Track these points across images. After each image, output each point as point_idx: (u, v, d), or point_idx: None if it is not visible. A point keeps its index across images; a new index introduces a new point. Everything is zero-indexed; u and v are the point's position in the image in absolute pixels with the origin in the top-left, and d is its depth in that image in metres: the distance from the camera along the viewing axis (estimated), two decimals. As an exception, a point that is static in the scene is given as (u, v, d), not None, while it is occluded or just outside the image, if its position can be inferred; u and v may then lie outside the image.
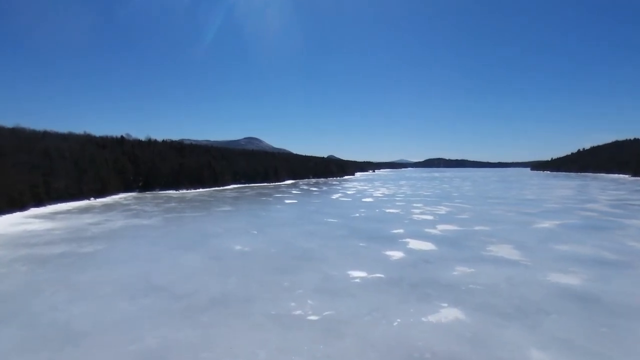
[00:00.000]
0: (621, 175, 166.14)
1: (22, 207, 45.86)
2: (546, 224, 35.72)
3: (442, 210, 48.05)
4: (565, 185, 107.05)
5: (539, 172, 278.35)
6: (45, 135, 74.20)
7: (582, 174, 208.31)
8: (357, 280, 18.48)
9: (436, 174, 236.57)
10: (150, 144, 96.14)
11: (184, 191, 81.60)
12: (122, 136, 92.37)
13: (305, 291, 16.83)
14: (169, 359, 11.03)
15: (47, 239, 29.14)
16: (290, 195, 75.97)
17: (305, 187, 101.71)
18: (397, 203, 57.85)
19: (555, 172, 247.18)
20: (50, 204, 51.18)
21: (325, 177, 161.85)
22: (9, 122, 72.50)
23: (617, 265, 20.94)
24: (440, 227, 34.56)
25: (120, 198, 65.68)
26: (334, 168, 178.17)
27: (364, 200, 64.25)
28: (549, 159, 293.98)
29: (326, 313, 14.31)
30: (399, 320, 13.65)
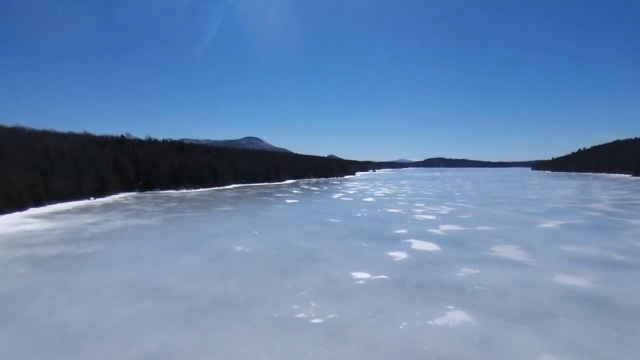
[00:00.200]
0: (622, 175, 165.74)
1: (21, 206, 45.55)
2: (550, 224, 35.36)
3: (445, 210, 47.70)
4: (567, 185, 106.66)
5: (539, 171, 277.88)
6: (45, 134, 73.88)
7: (583, 173, 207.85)
8: (361, 281, 18.14)
9: (437, 174, 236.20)
10: (151, 143, 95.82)
11: (184, 191, 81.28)
12: (122, 135, 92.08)
13: (308, 293, 16.49)
14: (168, 364, 10.70)
15: (45, 239, 28.81)
16: (291, 194, 75.64)
17: (306, 187, 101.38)
18: (399, 203, 57.50)
19: (556, 172, 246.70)
20: (49, 204, 50.86)
21: (326, 176, 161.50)
22: (9, 122, 72.22)
23: (625, 267, 20.59)
24: (443, 227, 34.21)
25: (120, 198, 65.36)
26: (335, 167, 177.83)
27: (365, 200, 63.90)
28: (550, 159, 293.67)
29: (330, 316, 13.97)
30: (404, 323, 13.31)
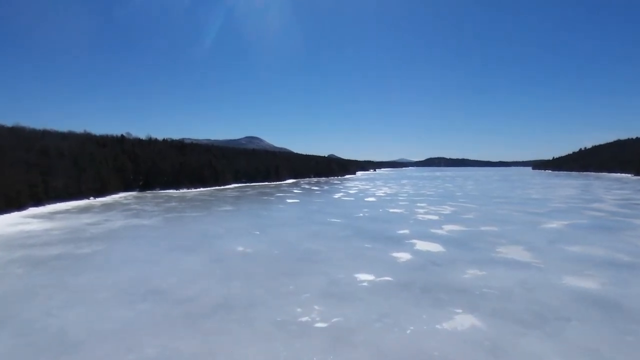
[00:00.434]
0: (624, 175, 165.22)
1: (20, 206, 45.19)
2: (554, 224, 34.96)
3: (447, 210, 47.31)
4: (569, 184, 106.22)
5: (540, 171, 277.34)
6: (45, 134, 73.51)
7: (584, 173, 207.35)
8: (365, 283, 17.76)
9: (438, 173, 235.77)
10: (151, 142, 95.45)
11: (185, 190, 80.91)
12: (122, 135, 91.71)
13: (312, 295, 16.11)
14: (168, 371, 10.32)
15: (44, 239, 28.44)
16: (292, 194, 75.26)
17: (306, 187, 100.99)
18: (401, 203, 57.11)
19: (556, 172, 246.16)
20: (49, 204, 50.51)
21: (327, 176, 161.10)
22: (9, 122, 71.83)
23: (633, 268, 20.20)
24: (447, 227, 33.82)
25: (120, 197, 65.00)
26: (335, 167, 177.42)
27: (366, 199, 63.51)
28: (550, 158, 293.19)
29: (334, 320, 13.59)
30: (411, 327, 12.92)
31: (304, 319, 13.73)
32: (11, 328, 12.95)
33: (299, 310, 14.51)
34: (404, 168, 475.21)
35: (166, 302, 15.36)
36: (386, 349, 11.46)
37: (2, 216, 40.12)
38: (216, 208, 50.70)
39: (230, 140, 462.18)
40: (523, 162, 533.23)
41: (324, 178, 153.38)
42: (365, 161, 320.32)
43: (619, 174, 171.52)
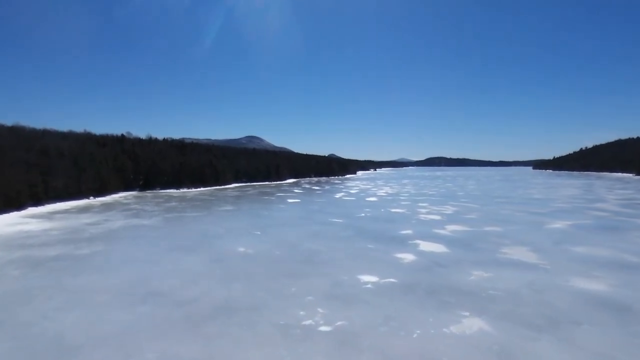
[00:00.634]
0: (625, 174, 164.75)
1: (20, 206, 44.87)
2: (558, 224, 34.60)
3: (449, 209, 46.94)
4: (571, 184, 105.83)
5: (541, 170, 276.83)
6: (45, 133, 73.19)
7: (585, 172, 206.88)
8: (369, 285, 17.41)
9: (438, 173, 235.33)
10: (151, 142, 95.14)
11: (185, 190, 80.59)
12: (122, 135, 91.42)
13: (315, 298, 15.76)
14: (168, 378, 9.98)
15: (43, 239, 28.11)
16: (292, 194, 74.92)
17: (307, 186, 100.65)
18: (402, 202, 56.75)
19: (557, 171, 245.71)
20: (48, 203, 50.19)
21: (327, 175, 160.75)
22: (9, 121, 71.42)
23: (642, 269, 19.83)
24: (450, 227, 33.46)
25: (120, 197, 64.68)
26: (336, 167, 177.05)
27: (368, 199, 63.16)
28: (551, 158, 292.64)
29: (339, 323, 13.24)
30: (418, 331, 12.57)
31: (308, 322, 13.38)
32: (7, 331, 12.61)
33: (302, 313, 14.16)
34: (404, 168, 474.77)
35: (166, 304, 15.02)
36: (393, 353, 11.11)
37: (1, 216, 39.81)
38: (216, 208, 50.36)
39: (231, 139, 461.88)
40: (523, 161, 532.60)
41: (324, 178, 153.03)
42: (365, 161, 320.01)
43: (620, 174, 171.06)
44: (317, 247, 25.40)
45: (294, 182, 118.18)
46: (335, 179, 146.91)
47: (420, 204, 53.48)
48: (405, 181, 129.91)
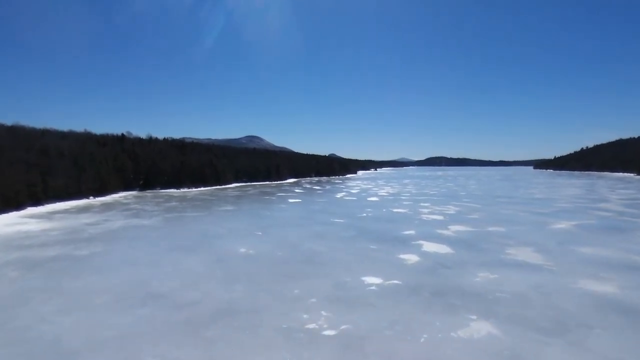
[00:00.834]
0: (626, 174, 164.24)
1: (19, 206, 44.56)
2: (563, 225, 34.24)
3: (451, 209, 46.59)
4: (572, 184, 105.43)
5: (542, 170, 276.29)
6: (45, 133, 72.93)
7: (586, 172, 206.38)
8: (373, 287, 17.06)
9: (439, 173, 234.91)
10: (151, 142, 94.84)
11: (185, 190, 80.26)
12: (122, 134, 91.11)
13: (318, 300, 15.42)
14: (168, 384, 9.64)
15: (41, 240, 27.79)
16: (293, 194, 74.59)
17: (308, 186, 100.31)
18: (404, 202, 56.40)
19: (558, 171, 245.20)
20: (48, 203, 49.87)
21: (328, 175, 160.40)
22: (10, 121, 71.02)
23: (650, 271, 19.47)
24: (453, 227, 33.10)
25: (120, 197, 64.37)
26: (337, 166, 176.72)
27: (369, 199, 62.80)
28: (552, 158, 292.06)
29: (343, 327, 12.89)
30: (425, 335, 12.23)
31: (311, 325, 13.04)
32: (3, 335, 12.27)
33: (305, 316, 13.82)
34: (404, 167, 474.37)
35: (166, 307, 14.69)
36: (400, 359, 10.77)
37: (0, 216, 39.48)
38: (217, 208, 50.04)
39: (231, 139, 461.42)
40: (524, 161, 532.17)
41: (325, 177, 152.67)
42: (366, 160, 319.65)
43: (621, 174, 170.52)
44: (319, 248, 25.06)
45: (294, 182, 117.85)
46: (336, 179, 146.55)
47: (422, 204, 53.13)
48: (406, 181, 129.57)
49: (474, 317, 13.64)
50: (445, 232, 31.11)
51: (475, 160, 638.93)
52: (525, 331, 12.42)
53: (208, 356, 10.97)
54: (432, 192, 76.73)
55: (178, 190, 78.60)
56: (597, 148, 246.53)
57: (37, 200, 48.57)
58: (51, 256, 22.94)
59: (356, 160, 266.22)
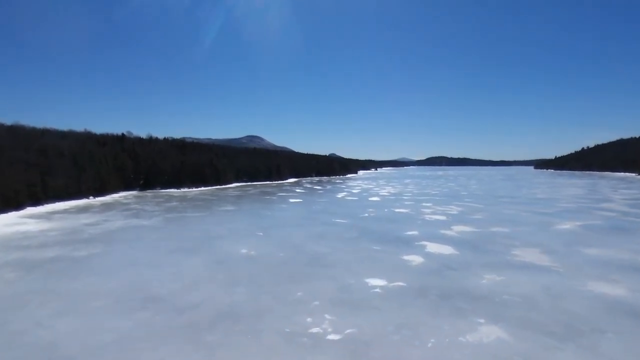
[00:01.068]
0: (627, 174, 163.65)
1: (18, 206, 44.22)
2: (567, 225, 33.86)
3: (454, 210, 46.21)
4: (574, 184, 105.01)
5: (542, 170, 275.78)
6: (45, 132, 72.60)
7: (587, 172, 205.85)
8: (378, 290, 16.70)
9: (440, 172, 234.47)
10: (151, 141, 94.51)
11: (186, 190, 79.92)
12: (122, 134, 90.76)
13: (322, 303, 15.06)
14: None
15: (40, 240, 27.45)
16: (294, 194, 74.23)
17: (309, 186, 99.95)
18: (406, 202, 56.02)
19: (559, 171, 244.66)
20: (47, 203, 49.52)
21: (329, 175, 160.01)
22: (10, 121, 70.53)
23: (660, 272, 19.09)
24: (456, 228, 32.73)
25: (120, 197, 64.03)
26: (337, 166, 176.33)
27: (370, 199, 62.44)
28: (552, 158, 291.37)
29: (348, 331, 12.53)
30: (432, 340, 11.86)
31: (315, 330, 12.68)
32: (-2, 340, 11.92)
33: (309, 320, 13.46)
34: (405, 167, 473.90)
35: (166, 310, 14.33)
36: (408, 366, 10.41)
37: (-2, 216, 39.16)
38: (218, 208, 49.69)
39: (231, 139, 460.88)
40: (524, 161, 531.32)
41: (325, 177, 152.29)
42: (366, 160, 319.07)
43: (622, 173, 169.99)
44: (321, 249, 24.70)
45: (295, 182, 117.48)
46: (336, 179, 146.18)
47: (424, 204, 52.75)
48: (407, 181, 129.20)
49: (482, 320, 13.28)
50: (448, 232, 30.74)
51: (475, 160, 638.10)
52: (535, 335, 12.06)
53: (209, 362, 10.62)
54: (433, 192, 76.35)
55: (178, 190, 78.27)
56: (598, 148, 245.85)
57: (37, 200, 48.23)
58: (49, 257, 22.59)
59: (356, 160, 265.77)
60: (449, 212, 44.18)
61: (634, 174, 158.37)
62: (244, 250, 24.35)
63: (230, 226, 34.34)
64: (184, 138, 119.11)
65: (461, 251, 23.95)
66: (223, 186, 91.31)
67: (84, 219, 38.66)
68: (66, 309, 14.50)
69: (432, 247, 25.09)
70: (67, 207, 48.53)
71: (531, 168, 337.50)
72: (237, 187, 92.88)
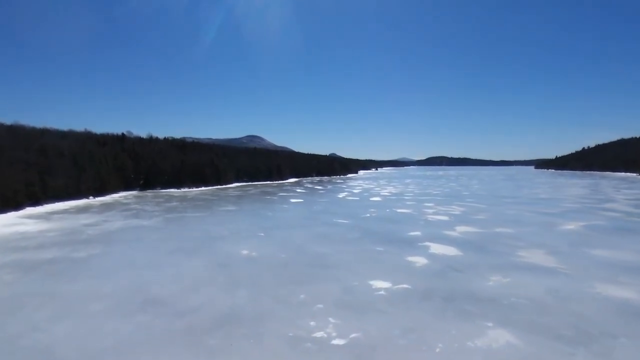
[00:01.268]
0: (629, 174, 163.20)
1: (17, 206, 43.91)
2: (571, 226, 33.50)
3: (456, 210, 45.86)
4: (576, 183, 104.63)
5: (543, 170, 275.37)
6: (45, 132, 72.33)
7: (588, 172, 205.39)
8: (382, 292, 16.35)
9: (440, 172, 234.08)
10: (152, 141, 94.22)
11: (186, 189, 79.60)
12: (123, 134, 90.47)
13: (325, 306, 14.72)
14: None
15: (39, 241, 27.12)
16: (295, 194, 73.89)
17: (309, 186, 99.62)
18: (407, 202, 55.67)
19: (560, 171, 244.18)
20: (47, 203, 49.19)
21: (329, 175, 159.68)
22: (10, 121, 70.14)
23: (669, 274, 18.73)
24: (459, 228, 32.38)
25: (120, 197, 63.71)
26: (338, 166, 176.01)
27: (372, 199, 62.10)
28: (553, 157, 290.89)
29: (353, 335, 12.19)
30: (440, 345, 11.52)
31: (319, 334, 12.34)
32: (-7, 345, 11.59)
33: (312, 323, 13.12)
34: (405, 167, 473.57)
35: (166, 313, 13.98)
36: (416, 372, 10.07)
37: (-3, 216, 38.84)
38: (218, 208, 49.36)
39: (231, 139, 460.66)
40: (525, 161, 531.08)
41: (326, 177, 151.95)
42: (366, 160, 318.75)
43: (623, 173, 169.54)
44: (324, 250, 24.35)
45: (295, 182, 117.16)
46: (337, 179, 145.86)
47: (425, 204, 52.40)
48: (408, 180, 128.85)
49: (490, 324, 12.93)
50: (452, 233, 30.39)
51: (476, 159, 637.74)
52: (546, 340, 11.71)
53: (210, 368, 10.28)
54: (435, 192, 76.01)
55: (178, 190, 77.95)
56: (599, 148, 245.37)
57: (36, 200, 47.92)
58: (48, 259, 22.26)
59: (357, 160, 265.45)
60: (452, 212, 43.83)
61: (635, 174, 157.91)
62: (245, 251, 24.02)
63: (231, 226, 34.00)
64: (184, 138, 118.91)
65: (465, 252, 23.61)
66: (223, 186, 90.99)
67: (84, 219, 38.34)
68: (64, 312, 14.16)
69: (436, 248, 24.75)
70: (66, 207, 48.21)
71: (532, 168, 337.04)
72: (238, 187, 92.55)
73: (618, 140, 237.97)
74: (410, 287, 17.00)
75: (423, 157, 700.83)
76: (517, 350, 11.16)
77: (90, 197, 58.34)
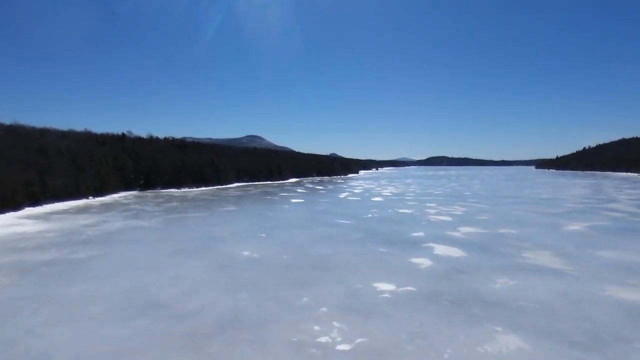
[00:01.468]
0: (630, 174, 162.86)
1: (16, 206, 43.56)
2: (576, 226, 33.12)
3: (459, 210, 45.48)
4: (577, 184, 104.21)
5: (544, 170, 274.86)
6: (44, 132, 71.93)
7: (589, 172, 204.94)
8: (387, 295, 15.99)
9: (441, 172, 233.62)
10: (152, 141, 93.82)
11: (186, 189, 79.25)
12: (123, 133, 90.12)
13: (329, 309, 14.35)
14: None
15: (37, 242, 26.77)
16: (296, 194, 73.53)
17: (310, 186, 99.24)
18: (409, 202, 55.30)
19: (560, 170, 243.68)
20: (46, 204, 48.85)
21: (330, 175, 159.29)
22: (9, 120, 69.78)
23: (678, 276, 18.36)
24: (463, 229, 32.01)
25: (120, 197, 63.37)
26: (338, 166, 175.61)
27: (373, 199, 61.73)
28: (554, 157, 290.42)
29: (359, 340, 11.83)
30: (449, 350, 11.16)
31: (324, 339, 11.98)
32: (-13, 351, 11.23)
33: (316, 328, 12.76)
34: (406, 167, 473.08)
35: (166, 317, 13.62)
36: (425, 380, 9.71)
37: (-4, 217, 38.49)
38: (219, 208, 49.01)
39: (232, 139, 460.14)
40: (525, 161, 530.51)
41: (327, 177, 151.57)
42: (366, 160, 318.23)
43: (625, 173, 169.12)
44: (326, 251, 23.99)
45: (296, 182, 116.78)
46: (337, 179, 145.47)
47: (427, 204, 52.03)
48: (409, 180, 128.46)
49: (500, 329, 12.57)
50: (455, 234, 30.02)
51: (476, 159, 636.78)
52: (558, 346, 11.35)
53: (212, 376, 9.92)
54: (436, 192, 75.63)
55: (179, 190, 77.60)
56: (599, 148, 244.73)
57: (36, 200, 47.58)
58: (45, 260, 21.90)
59: (357, 160, 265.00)
60: (454, 212, 43.46)
61: (636, 174, 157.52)
62: (246, 253, 23.67)
63: (231, 227, 33.64)
64: (184, 138, 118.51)
65: (470, 253, 23.24)
66: (224, 186, 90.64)
67: (83, 219, 37.99)
68: (61, 316, 13.81)
69: (440, 249, 24.39)
70: (66, 208, 47.87)
71: (532, 168, 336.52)
72: (238, 187, 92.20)
73: (619, 140, 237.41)
74: (415, 289, 16.63)
75: (423, 157, 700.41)
76: (529, 356, 10.79)
77: (90, 197, 58.00)
